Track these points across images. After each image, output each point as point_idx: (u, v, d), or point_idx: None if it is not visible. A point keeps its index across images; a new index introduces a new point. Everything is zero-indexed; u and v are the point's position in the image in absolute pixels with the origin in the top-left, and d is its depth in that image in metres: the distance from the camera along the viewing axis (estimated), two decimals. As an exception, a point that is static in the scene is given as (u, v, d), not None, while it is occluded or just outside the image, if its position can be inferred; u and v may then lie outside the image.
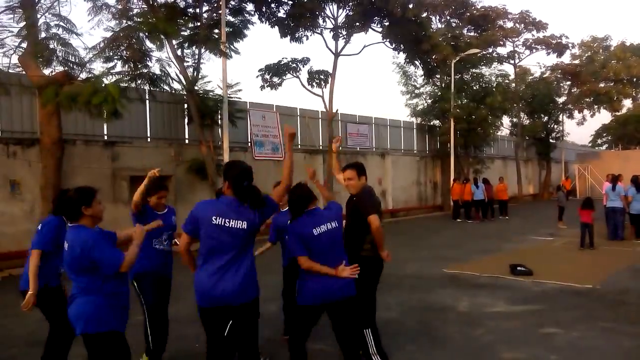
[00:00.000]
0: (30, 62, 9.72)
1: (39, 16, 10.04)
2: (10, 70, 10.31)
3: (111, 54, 10.99)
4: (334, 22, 17.50)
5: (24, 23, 9.89)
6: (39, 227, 4.12)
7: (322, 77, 17.39)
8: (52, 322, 4.18)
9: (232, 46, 13.22)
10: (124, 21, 11.31)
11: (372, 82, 70.03)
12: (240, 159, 14.77)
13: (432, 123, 24.46)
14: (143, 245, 3.52)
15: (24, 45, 9.99)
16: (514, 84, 28.42)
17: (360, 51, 20.16)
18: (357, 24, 17.40)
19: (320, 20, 17.49)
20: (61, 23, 10.09)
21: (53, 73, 9.97)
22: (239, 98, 14.39)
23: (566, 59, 30.51)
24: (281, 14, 16.98)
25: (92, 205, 3.27)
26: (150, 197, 4.47)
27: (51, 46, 9.87)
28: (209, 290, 3.31)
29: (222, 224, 3.33)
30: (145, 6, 12.01)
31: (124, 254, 3.23)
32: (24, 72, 10.09)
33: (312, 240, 3.73)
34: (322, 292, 3.77)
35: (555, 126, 31.95)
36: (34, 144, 10.74)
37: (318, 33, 17.76)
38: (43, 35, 9.94)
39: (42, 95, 9.42)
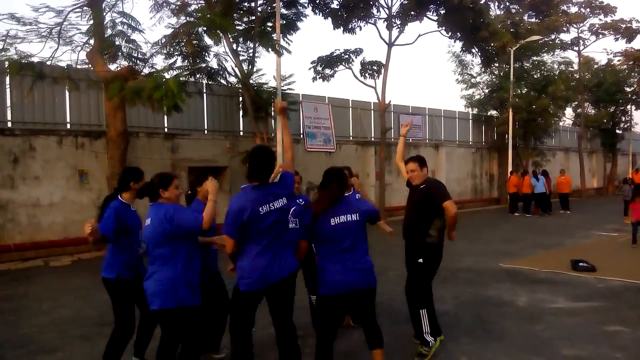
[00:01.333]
0: (97, 58, 10.22)
1: (104, 14, 10.52)
2: (78, 66, 10.89)
3: (171, 50, 11.39)
4: (388, 12, 17.25)
5: (92, 21, 10.40)
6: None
7: (374, 67, 17.23)
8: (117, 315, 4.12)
9: (285, 39, 13.35)
10: (183, 17, 11.66)
11: (426, 72, 68.60)
12: (293, 150, 15.02)
13: (489, 113, 23.71)
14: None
15: (91, 42, 10.51)
16: (577, 73, 27.04)
17: (415, 40, 19.92)
18: (412, 12, 17.06)
19: (374, 10, 17.28)
20: (125, 20, 10.54)
21: (118, 68, 10.45)
22: (292, 90, 14.53)
23: (636, 44, 28.70)
24: (334, 4, 16.92)
25: (169, 189, 3.61)
26: (199, 187, 4.45)
27: (116, 42, 10.34)
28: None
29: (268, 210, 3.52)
30: (203, 1, 12.34)
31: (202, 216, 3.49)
32: (91, 68, 10.63)
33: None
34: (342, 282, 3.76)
35: (623, 116, 30.17)
36: (100, 136, 11.34)
37: (371, 23, 17.58)
38: (109, 32, 10.42)
39: (108, 89, 9.90)
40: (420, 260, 4.64)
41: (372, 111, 18.54)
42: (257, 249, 3.51)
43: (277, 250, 3.56)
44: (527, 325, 5.57)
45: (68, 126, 11.40)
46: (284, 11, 14.00)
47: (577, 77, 26.80)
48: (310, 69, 17.23)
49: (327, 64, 17.07)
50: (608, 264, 8.73)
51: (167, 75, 9.76)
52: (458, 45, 20.64)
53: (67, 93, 11.27)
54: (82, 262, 10.04)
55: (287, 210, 3.72)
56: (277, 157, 13.10)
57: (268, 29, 13.27)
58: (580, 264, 8.50)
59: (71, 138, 11.07)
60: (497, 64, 22.85)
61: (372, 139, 18.09)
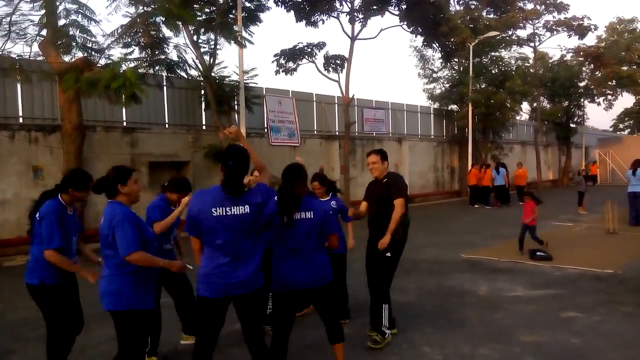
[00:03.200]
0: (50, 49, 9.82)
1: (57, 3, 10.11)
2: (31, 58, 10.42)
3: (129, 40, 11.05)
4: (350, 6, 17.30)
5: (44, 11, 9.97)
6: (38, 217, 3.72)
7: (338, 61, 17.26)
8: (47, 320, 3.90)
9: (247, 30, 13.18)
10: (141, 7, 11.33)
11: (388, 66, 69.32)
12: (257, 145, 14.88)
13: (449, 108, 24.17)
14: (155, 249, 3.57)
15: (44, 33, 10.08)
16: (533, 68, 27.86)
17: (377, 35, 19.97)
18: (374, 7, 17.16)
19: (337, 4, 17.30)
20: (80, 10, 10.15)
21: (73, 60, 10.06)
22: (255, 83, 14.40)
23: (588, 41, 29.80)
24: (297, -3, 16.83)
25: (128, 184, 3.39)
26: (173, 194, 4.49)
27: (70, 32, 9.95)
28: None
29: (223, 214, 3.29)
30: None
31: (139, 247, 3.26)
32: (44, 60, 10.20)
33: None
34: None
35: (577, 111, 31.33)
36: (55, 131, 10.91)
37: (334, 17, 17.60)
38: (62, 22, 10.02)
39: (63, 81, 9.53)
40: (389, 254, 4.71)
41: (336, 105, 18.57)
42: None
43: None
44: (488, 314, 5.71)
45: (20, 120, 10.90)
46: (246, 3, 13.82)
47: (533, 72, 27.60)
48: (273, 62, 17.13)
49: (290, 57, 16.99)
50: (564, 253, 9.05)
51: (124, 66, 9.46)
52: (419, 40, 20.95)
53: (18, 85, 10.78)
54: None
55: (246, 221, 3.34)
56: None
57: (230, 20, 13.07)
58: (538, 253, 8.78)
59: (24, 132, 10.60)
60: (456, 59, 23.29)
61: (337, 133, 18.14)
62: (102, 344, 4.96)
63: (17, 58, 10.21)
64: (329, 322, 3.85)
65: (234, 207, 3.24)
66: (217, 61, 13.52)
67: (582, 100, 31.13)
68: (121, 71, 9.03)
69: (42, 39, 10.05)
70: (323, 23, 17.58)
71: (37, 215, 3.70)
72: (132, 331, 3.39)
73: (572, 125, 31.13)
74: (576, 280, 7.27)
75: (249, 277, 3.29)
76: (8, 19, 9.79)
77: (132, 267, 3.32)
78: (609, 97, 32.30)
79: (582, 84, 30.64)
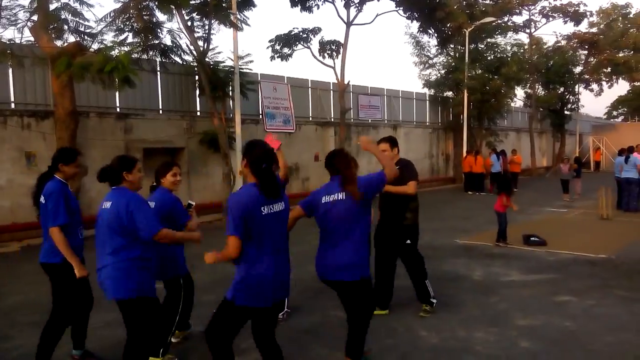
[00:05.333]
0: (42, 33, 9.68)
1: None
2: (23, 42, 10.28)
3: (122, 25, 10.91)
4: (345, -10, 17.12)
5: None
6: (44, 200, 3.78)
7: (333, 47, 17.12)
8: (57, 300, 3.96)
9: (241, 15, 13.03)
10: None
11: (384, 52, 69.01)
12: (252, 131, 14.81)
13: (445, 94, 24.11)
14: None
15: (35, 17, 9.93)
16: (528, 54, 27.81)
17: (373, 20, 19.79)
18: (370, -9, 17.00)
19: (332, -12, 17.12)
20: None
21: (65, 44, 9.93)
22: (250, 69, 14.27)
23: (584, 27, 29.78)
24: (292, -19, 16.64)
25: (133, 172, 3.48)
26: (163, 178, 4.24)
27: (62, 17, 9.81)
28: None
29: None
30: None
31: (162, 225, 3.37)
32: (36, 44, 10.06)
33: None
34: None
35: (571, 97, 31.38)
36: (48, 116, 10.79)
37: (330, 2, 17.40)
38: (54, 6, 9.87)
39: (55, 66, 9.40)
40: (408, 241, 5.09)
41: (332, 91, 18.49)
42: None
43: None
44: (483, 298, 5.75)
45: (12, 106, 10.77)
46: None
47: (528, 58, 27.55)
48: (268, 47, 16.97)
49: (286, 42, 16.84)
50: (558, 238, 9.12)
51: (116, 52, 9.34)
52: (415, 25, 20.82)
53: (10, 71, 10.63)
54: (32, 248, 9.60)
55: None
56: (235, 137, 12.98)
57: (223, 4, 12.90)
58: (532, 238, 8.84)
59: (16, 118, 10.48)
60: (452, 46, 23.18)
61: (332, 120, 18.08)
62: (97, 329, 4.95)
63: (8, 43, 10.06)
64: (266, 346, 3.27)
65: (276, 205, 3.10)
66: (211, 46, 13.39)
67: (576, 87, 31.17)
68: (114, 55, 8.93)
69: (34, 23, 9.90)
70: (318, 8, 17.40)
71: (42, 197, 3.77)
72: (143, 317, 3.42)
73: (566, 112, 31.17)
74: (570, 265, 7.33)
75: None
76: (-2, 3, 9.63)
77: (137, 253, 3.36)
78: (604, 83, 32.35)
79: (577, 71, 30.66)
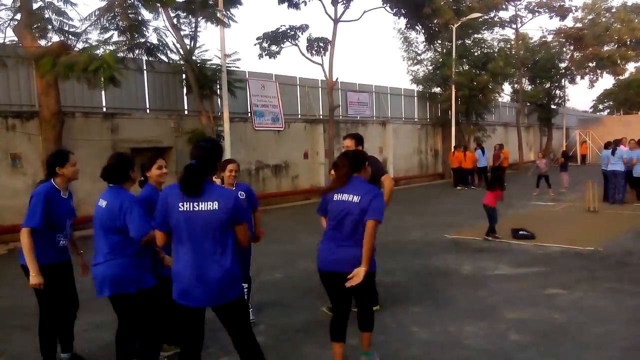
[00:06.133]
0: (25, 33, 9.52)
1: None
2: (6, 42, 10.11)
3: (107, 24, 10.77)
4: (332, -13, 17.09)
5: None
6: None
7: (321, 44, 17.12)
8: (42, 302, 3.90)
9: (229, 12, 12.95)
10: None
11: (372, 49, 69.07)
12: (240, 129, 14.75)
13: (433, 90, 24.20)
14: None
15: (18, 17, 9.78)
16: (515, 50, 28.00)
17: (360, 17, 19.83)
18: (357, -12, 17.01)
19: (319, -15, 17.07)
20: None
21: (49, 44, 9.79)
22: (238, 67, 14.20)
23: (569, 22, 30.01)
24: (278, -22, 16.57)
25: (135, 170, 3.61)
26: (149, 172, 3.98)
27: (46, 16, 9.66)
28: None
29: None
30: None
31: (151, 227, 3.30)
32: (19, 44, 9.91)
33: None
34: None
35: (557, 92, 31.65)
36: (33, 117, 10.65)
37: (317, -2, 17.39)
38: (37, 4, 9.71)
39: (39, 66, 9.26)
40: None
41: (320, 89, 18.46)
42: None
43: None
44: (473, 292, 5.79)
45: (-4, 107, 10.62)
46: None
47: (515, 53, 27.74)
48: (255, 44, 16.92)
49: (273, 40, 16.80)
50: (546, 232, 9.20)
51: (101, 50, 9.23)
52: (403, 22, 20.85)
53: (-7, 71, 10.47)
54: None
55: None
56: (224, 135, 12.92)
57: (210, 1, 12.81)
58: (520, 232, 8.91)
59: (0, 119, 10.33)
60: (440, 42, 23.27)
61: (321, 117, 18.06)
62: (88, 331, 4.92)
63: (-10, 42, 9.91)
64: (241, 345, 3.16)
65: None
66: (197, 44, 13.33)
67: (562, 81, 31.45)
68: (99, 54, 8.82)
69: (17, 22, 9.75)
70: (305, 5, 17.33)
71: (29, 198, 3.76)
72: (143, 310, 3.48)
73: (553, 106, 31.45)
74: (558, 257, 7.41)
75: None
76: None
77: (134, 249, 3.42)
78: (590, 77, 32.71)
79: (563, 65, 30.94)
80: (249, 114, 15.49)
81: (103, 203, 3.47)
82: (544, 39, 30.32)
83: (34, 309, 5.64)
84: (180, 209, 2.90)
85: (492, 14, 25.60)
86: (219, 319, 3.08)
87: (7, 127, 10.36)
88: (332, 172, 5.54)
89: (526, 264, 7.06)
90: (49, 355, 3.93)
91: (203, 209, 2.89)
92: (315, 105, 18.35)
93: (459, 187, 19.03)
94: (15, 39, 9.95)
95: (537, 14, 28.20)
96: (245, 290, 4.98)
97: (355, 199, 3.50)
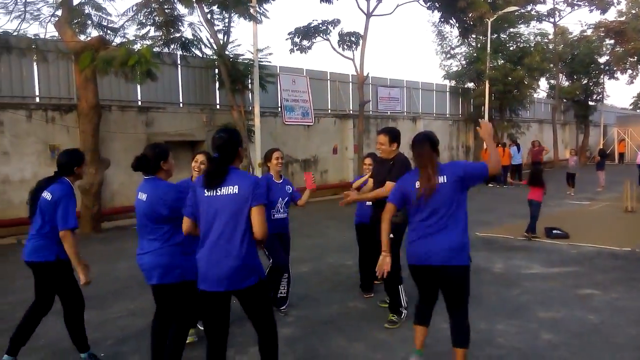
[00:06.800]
0: (66, 28, 9.84)
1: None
2: (47, 37, 10.46)
3: (143, 19, 11.02)
4: (365, -19, 16.97)
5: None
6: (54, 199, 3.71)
7: (353, 39, 17.02)
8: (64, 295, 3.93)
9: (262, 7, 13.04)
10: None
11: (404, 43, 68.33)
12: (270, 124, 14.87)
13: (466, 85, 23.80)
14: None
15: (59, 12, 10.10)
16: (552, 44, 27.25)
17: (393, 11, 19.51)
18: (390, -18, 16.84)
19: (352, -20, 17.00)
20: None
21: (88, 39, 10.08)
22: (269, 62, 14.28)
23: (610, 16, 28.97)
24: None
25: (168, 161, 3.56)
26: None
27: (86, 11, 9.95)
28: None
29: None
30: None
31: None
32: (60, 39, 10.23)
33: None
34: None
35: (595, 88, 30.65)
36: (71, 110, 11.00)
37: (349, -7, 17.33)
38: (77, 1, 10.02)
39: (79, 60, 9.56)
40: (392, 235, 4.25)
41: (351, 83, 18.41)
42: None
43: None
44: (504, 291, 5.70)
45: (37, 100, 11.01)
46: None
47: (552, 48, 26.99)
48: (287, 39, 16.95)
49: (305, 35, 16.79)
50: (581, 231, 8.96)
51: (139, 45, 9.47)
52: (437, 15, 20.55)
53: (35, 65, 10.85)
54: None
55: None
56: (255, 130, 13.05)
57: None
58: (554, 231, 8.71)
59: (41, 112, 10.71)
60: (474, 36, 22.85)
61: (351, 112, 18.02)
62: (120, 318, 5.07)
63: (33, 38, 10.26)
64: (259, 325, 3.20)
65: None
66: (230, 39, 13.47)
67: (601, 77, 30.42)
68: (136, 49, 9.04)
69: (57, 18, 10.07)
70: (338, -1, 17.32)
71: (49, 198, 3.73)
72: (186, 301, 3.49)
73: (590, 103, 30.49)
74: (593, 258, 7.21)
75: None
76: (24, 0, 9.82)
77: (181, 239, 3.42)
78: (630, 72, 31.48)
79: (602, 60, 29.92)
80: (279, 109, 15.58)
81: (143, 196, 3.47)
82: (584, 33, 29.34)
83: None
84: (205, 195, 3.02)
85: (529, 7, 24.94)
86: (240, 304, 3.14)
87: (47, 120, 10.73)
88: (365, 162, 5.56)
89: (559, 264, 6.91)
90: (83, 343, 3.99)
91: (224, 194, 2.98)
92: (346, 100, 18.32)
93: (490, 185, 18.69)
94: (56, 34, 10.29)
95: (576, 7, 27.31)
96: (285, 280, 5.07)
97: (442, 179, 3.42)
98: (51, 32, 10.49)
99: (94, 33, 10.37)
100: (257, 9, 12.49)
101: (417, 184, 3.44)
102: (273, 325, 3.18)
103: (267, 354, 3.16)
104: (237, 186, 2.96)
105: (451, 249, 3.40)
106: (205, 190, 3.01)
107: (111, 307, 5.44)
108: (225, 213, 2.96)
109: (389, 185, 4.30)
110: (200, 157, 4.54)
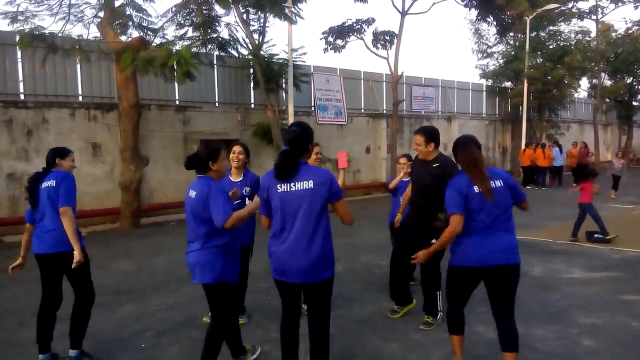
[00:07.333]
0: (108, 29, 10.13)
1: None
2: (90, 37, 10.80)
3: (182, 20, 11.25)
4: (401, -20, 16.84)
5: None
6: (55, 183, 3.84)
7: (387, 38, 16.92)
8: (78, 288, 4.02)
9: (296, 7, 13.12)
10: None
11: (440, 42, 67.37)
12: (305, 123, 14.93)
13: (503, 85, 23.30)
14: None
15: (101, 14, 10.42)
16: (594, 42, 26.37)
17: (429, 9, 19.35)
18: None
19: (387, -22, 16.91)
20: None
21: (129, 39, 10.36)
22: (304, 62, 14.36)
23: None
24: (346, -27, 16.54)
25: (218, 162, 3.52)
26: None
27: (127, 13, 10.23)
28: None
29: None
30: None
31: (231, 212, 3.31)
32: (102, 39, 10.55)
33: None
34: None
35: (640, 87, 29.51)
36: (112, 109, 11.33)
37: (384, -8, 17.22)
38: (119, 2, 10.31)
39: (121, 60, 9.83)
40: (434, 241, 4.08)
41: (384, 83, 18.30)
42: None
43: None
44: (543, 295, 5.56)
45: (80, 98, 11.39)
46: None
47: (595, 47, 26.13)
48: (321, 39, 17.01)
49: (339, 34, 16.81)
50: (623, 236, 8.65)
51: (178, 46, 9.67)
52: (474, 13, 20.20)
53: (78, 65, 11.23)
54: (97, 234, 10.17)
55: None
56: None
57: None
58: (596, 235, 8.44)
59: (83, 110, 11.07)
60: (512, 34, 22.35)
61: (384, 111, 17.92)
62: (159, 312, 5.19)
63: (77, 39, 10.61)
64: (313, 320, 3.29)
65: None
66: (265, 39, 13.60)
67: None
68: (175, 50, 9.23)
69: (100, 19, 10.38)
70: (372, -2, 17.24)
71: (53, 184, 3.83)
72: (226, 302, 3.51)
73: (634, 103, 29.36)
74: (637, 263, 6.96)
75: None
76: (67, 1, 10.16)
77: (223, 240, 3.43)
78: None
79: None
80: (313, 108, 15.63)
81: (192, 193, 3.47)
82: (629, 31, 28.25)
83: (112, 287, 6.05)
84: (278, 190, 3.09)
85: (570, 5, 24.22)
86: (304, 295, 3.21)
87: (89, 118, 11.09)
88: (400, 161, 5.47)
89: (601, 269, 6.69)
90: (79, 340, 4.04)
91: (299, 189, 3.05)
92: (379, 100, 18.22)
93: (528, 187, 18.25)
94: (99, 35, 10.61)
95: (620, 3, 26.34)
96: None
97: (499, 183, 3.43)
98: (94, 33, 10.83)
99: (135, 34, 10.65)
100: (292, 9, 12.56)
101: (476, 188, 3.36)
102: (328, 323, 3.26)
103: (318, 354, 3.21)
104: (311, 181, 3.05)
105: (509, 248, 3.37)
106: (278, 186, 3.08)
107: (149, 300, 5.58)
108: (302, 208, 3.04)
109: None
110: (237, 148, 4.60)
